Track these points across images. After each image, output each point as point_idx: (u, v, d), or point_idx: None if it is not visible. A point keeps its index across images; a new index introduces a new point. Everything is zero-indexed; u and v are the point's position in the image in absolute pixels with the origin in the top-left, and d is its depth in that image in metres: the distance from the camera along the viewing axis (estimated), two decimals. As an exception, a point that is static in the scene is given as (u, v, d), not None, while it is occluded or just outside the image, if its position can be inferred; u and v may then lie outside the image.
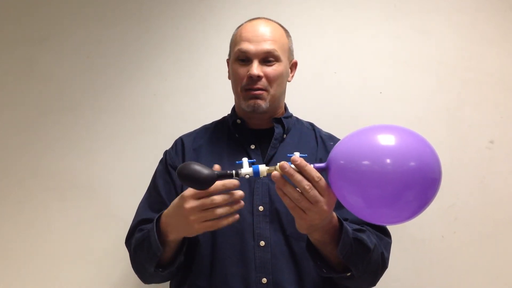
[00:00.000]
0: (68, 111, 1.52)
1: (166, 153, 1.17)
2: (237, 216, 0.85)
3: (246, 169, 0.80)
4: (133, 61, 1.52)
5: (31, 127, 1.52)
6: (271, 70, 1.05)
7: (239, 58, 1.06)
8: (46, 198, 1.49)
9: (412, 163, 0.71)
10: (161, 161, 1.17)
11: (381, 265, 0.98)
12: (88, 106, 1.52)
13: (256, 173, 0.79)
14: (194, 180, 0.77)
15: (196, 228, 0.85)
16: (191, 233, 0.88)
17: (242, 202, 0.84)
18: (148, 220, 1.03)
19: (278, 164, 0.77)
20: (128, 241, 1.07)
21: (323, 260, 0.92)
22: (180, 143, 1.16)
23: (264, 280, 0.98)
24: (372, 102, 1.46)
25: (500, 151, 1.41)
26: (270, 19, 1.12)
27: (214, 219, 0.83)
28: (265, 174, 0.79)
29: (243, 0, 1.52)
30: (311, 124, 1.22)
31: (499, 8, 1.45)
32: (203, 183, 0.78)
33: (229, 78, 1.15)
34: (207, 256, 1.02)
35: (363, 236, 0.92)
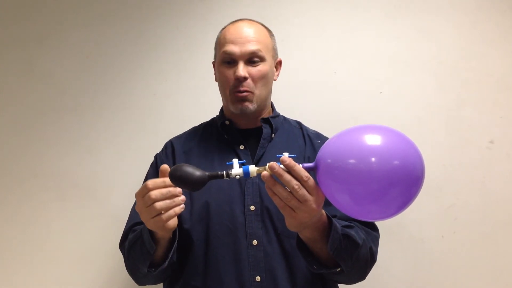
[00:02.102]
0: (68, 111, 1.52)
1: (156, 156, 1.18)
2: (179, 208, 0.85)
3: (236, 169, 0.81)
4: (133, 61, 1.53)
5: (31, 127, 1.52)
6: (256, 70, 1.07)
7: (225, 61, 1.08)
8: (46, 198, 1.49)
9: (396, 162, 0.74)
10: (151, 164, 1.18)
11: (370, 259, 1.00)
12: (88, 106, 1.52)
13: (246, 173, 0.81)
14: (186, 181, 0.79)
15: (149, 225, 0.87)
16: (154, 230, 0.89)
17: (183, 205, 0.86)
18: (141, 224, 1.03)
19: (267, 164, 0.79)
20: (122, 245, 1.08)
21: (314, 257, 0.94)
22: (170, 146, 1.17)
23: (258, 278, 1.00)
24: (372, 102, 1.46)
25: (500, 151, 1.41)
26: (253, 20, 1.13)
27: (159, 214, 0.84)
28: (255, 174, 0.81)
29: (243, 0, 1.52)
30: (298, 123, 1.23)
31: (499, 8, 1.45)
32: (195, 185, 0.80)
33: (216, 80, 1.16)
34: (200, 256, 1.03)
35: (352, 232, 0.94)
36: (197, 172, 0.79)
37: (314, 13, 1.49)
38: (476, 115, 1.42)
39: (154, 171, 1.15)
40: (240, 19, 1.13)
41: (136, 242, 0.97)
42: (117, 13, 1.54)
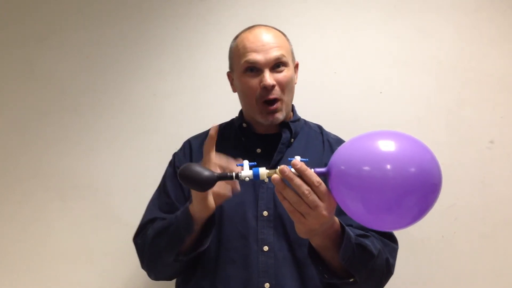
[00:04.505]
0: (68, 111, 1.52)
1: (174, 155, 1.18)
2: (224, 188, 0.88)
3: (246, 171, 0.79)
4: (133, 61, 1.52)
5: (31, 127, 1.52)
6: (282, 76, 1.04)
7: (248, 70, 1.05)
8: (46, 198, 1.49)
9: (413, 169, 0.70)
10: (170, 163, 1.17)
11: (386, 271, 0.97)
12: (88, 106, 1.52)
13: (256, 176, 0.78)
14: (195, 181, 0.78)
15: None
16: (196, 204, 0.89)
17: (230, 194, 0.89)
18: (158, 219, 1.03)
19: (278, 167, 0.76)
20: (139, 236, 1.06)
21: (325, 266, 0.90)
22: (188, 146, 1.17)
23: (267, 285, 0.98)
24: (372, 102, 1.45)
25: (500, 151, 1.41)
26: (268, 26, 1.11)
27: None
28: (265, 177, 0.78)
29: (243, 0, 1.52)
30: (319, 127, 1.21)
31: (499, 8, 1.45)
32: (203, 185, 0.78)
33: (235, 91, 1.14)
34: (212, 258, 1.02)
35: (367, 241, 0.91)
36: (206, 172, 0.78)
37: (314, 13, 1.49)
38: (476, 115, 1.42)
39: (173, 170, 1.14)
40: (254, 26, 1.10)
41: (168, 228, 0.95)
42: (117, 14, 1.54)
